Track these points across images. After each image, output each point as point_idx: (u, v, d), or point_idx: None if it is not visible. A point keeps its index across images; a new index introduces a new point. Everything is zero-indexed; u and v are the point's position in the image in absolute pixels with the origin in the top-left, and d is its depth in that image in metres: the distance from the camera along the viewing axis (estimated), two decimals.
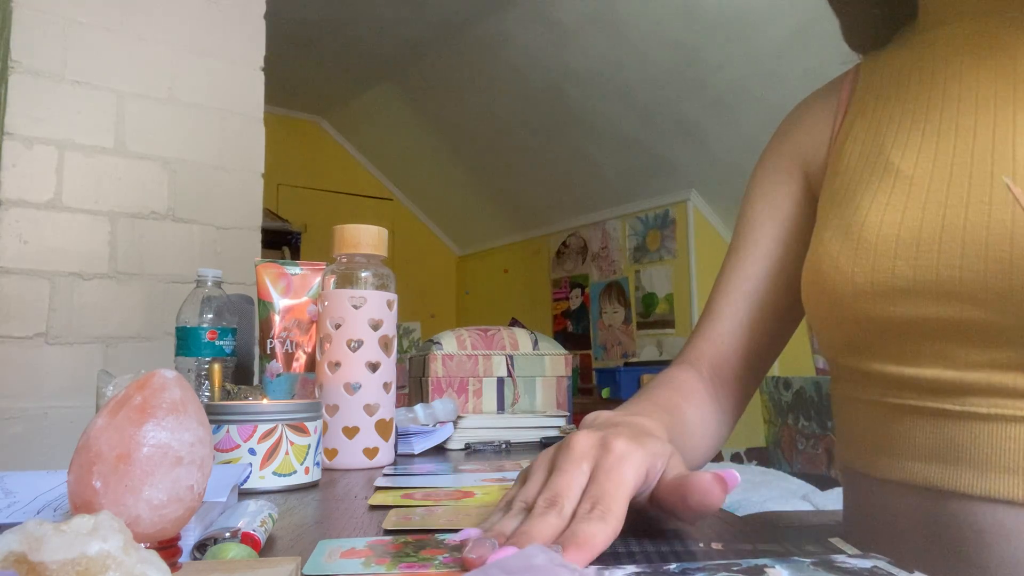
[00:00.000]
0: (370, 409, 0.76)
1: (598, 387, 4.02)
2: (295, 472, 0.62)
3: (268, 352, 0.92)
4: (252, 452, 0.61)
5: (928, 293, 0.49)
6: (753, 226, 0.68)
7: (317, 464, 0.65)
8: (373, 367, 0.77)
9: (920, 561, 0.51)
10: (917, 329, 0.51)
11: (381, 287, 0.79)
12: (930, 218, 0.50)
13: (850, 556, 0.36)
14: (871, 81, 0.62)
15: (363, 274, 0.79)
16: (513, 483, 0.43)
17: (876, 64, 0.63)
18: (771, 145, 0.70)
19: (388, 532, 0.44)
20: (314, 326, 0.93)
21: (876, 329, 0.53)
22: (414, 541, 0.41)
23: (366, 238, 0.79)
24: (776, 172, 0.68)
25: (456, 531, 0.41)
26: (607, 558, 0.37)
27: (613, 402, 3.83)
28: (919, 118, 0.55)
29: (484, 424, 0.98)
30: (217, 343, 0.91)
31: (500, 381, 1.10)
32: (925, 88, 0.56)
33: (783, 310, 0.67)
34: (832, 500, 1.75)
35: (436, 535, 0.42)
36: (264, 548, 0.40)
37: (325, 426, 0.75)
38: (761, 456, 3.15)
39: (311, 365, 0.93)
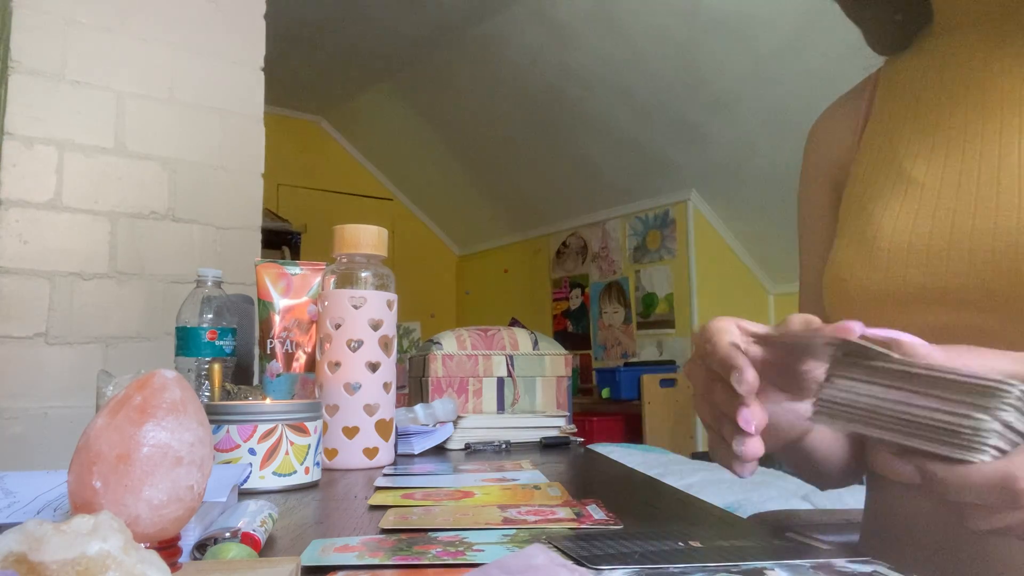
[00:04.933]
0: (370, 409, 0.76)
1: (598, 387, 4.02)
2: (295, 472, 0.62)
3: (268, 352, 0.92)
4: (252, 452, 0.61)
5: (939, 300, 0.50)
6: (808, 251, 0.70)
7: (317, 464, 0.65)
8: (373, 367, 0.77)
9: (936, 565, 0.51)
10: (929, 335, 0.51)
11: (381, 287, 0.79)
12: (940, 225, 0.50)
13: (849, 560, 0.36)
14: (889, 88, 0.62)
15: (363, 274, 0.79)
16: None
17: (894, 70, 0.63)
18: (804, 164, 0.71)
19: (385, 531, 0.44)
20: (314, 326, 0.93)
21: None
22: (407, 538, 0.41)
23: (366, 238, 0.79)
24: (814, 193, 0.69)
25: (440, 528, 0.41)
26: (608, 559, 0.37)
27: (613, 402, 3.83)
28: (931, 125, 0.55)
29: (484, 424, 0.98)
30: (217, 343, 0.91)
31: (500, 381, 1.10)
32: (936, 95, 0.56)
33: None
34: (832, 500, 1.75)
35: (429, 533, 0.42)
36: (264, 548, 0.40)
37: (325, 426, 0.75)
38: (762, 456, 3.14)
39: (311, 365, 0.93)
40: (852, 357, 0.37)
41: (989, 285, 0.47)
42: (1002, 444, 0.32)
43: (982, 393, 0.32)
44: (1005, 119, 0.50)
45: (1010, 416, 0.32)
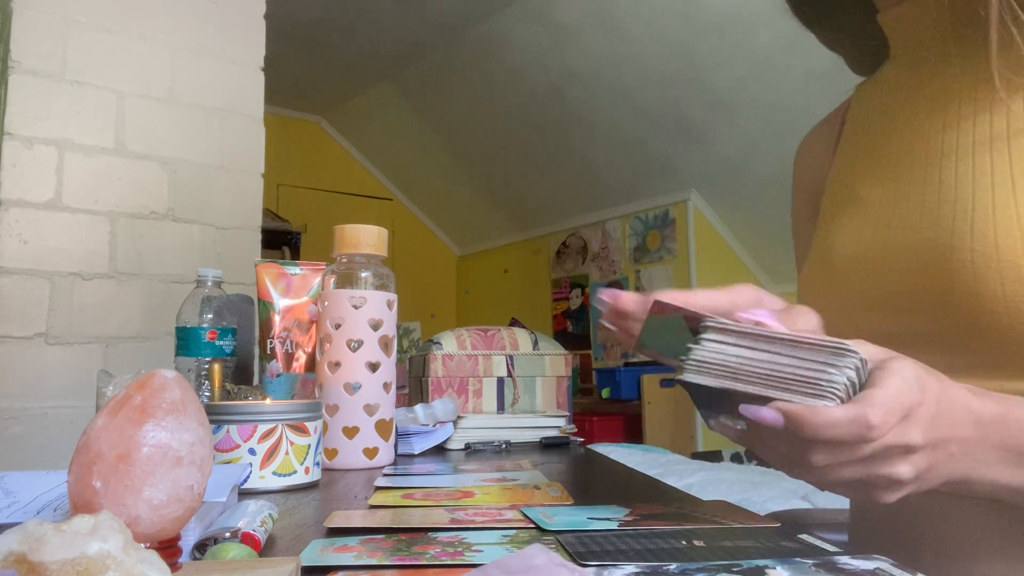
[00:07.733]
0: (370, 409, 0.76)
1: (598, 387, 4.02)
2: (295, 472, 0.62)
3: (268, 352, 0.92)
4: (252, 452, 0.61)
5: (882, 307, 0.54)
6: (801, 263, 0.74)
7: (317, 464, 0.65)
8: (373, 367, 0.77)
9: (919, 559, 0.52)
10: (879, 341, 0.53)
11: (381, 287, 0.79)
12: (879, 238, 0.55)
13: (852, 557, 0.36)
14: (855, 112, 0.67)
15: (363, 274, 0.79)
16: None
17: (859, 95, 0.68)
18: (793, 192, 0.76)
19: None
20: (314, 326, 0.93)
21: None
22: (407, 538, 0.41)
23: (366, 238, 0.79)
24: (799, 214, 0.74)
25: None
26: (609, 558, 0.37)
27: (613, 402, 3.83)
28: (879, 147, 0.60)
29: (484, 424, 0.98)
30: (217, 343, 0.91)
31: (500, 381, 1.10)
32: (885, 118, 0.61)
33: None
34: (832, 499, 1.75)
35: (428, 533, 0.42)
36: (264, 548, 0.40)
37: (325, 426, 0.75)
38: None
39: (311, 365, 0.93)
40: (722, 325, 0.45)
41: (920, 292, 0.51)
42: (843, 395, 0.41)
43: (834, 352, 0.41)
44: (931, 142, 0.55)
45: (852, 374, 0.41)
